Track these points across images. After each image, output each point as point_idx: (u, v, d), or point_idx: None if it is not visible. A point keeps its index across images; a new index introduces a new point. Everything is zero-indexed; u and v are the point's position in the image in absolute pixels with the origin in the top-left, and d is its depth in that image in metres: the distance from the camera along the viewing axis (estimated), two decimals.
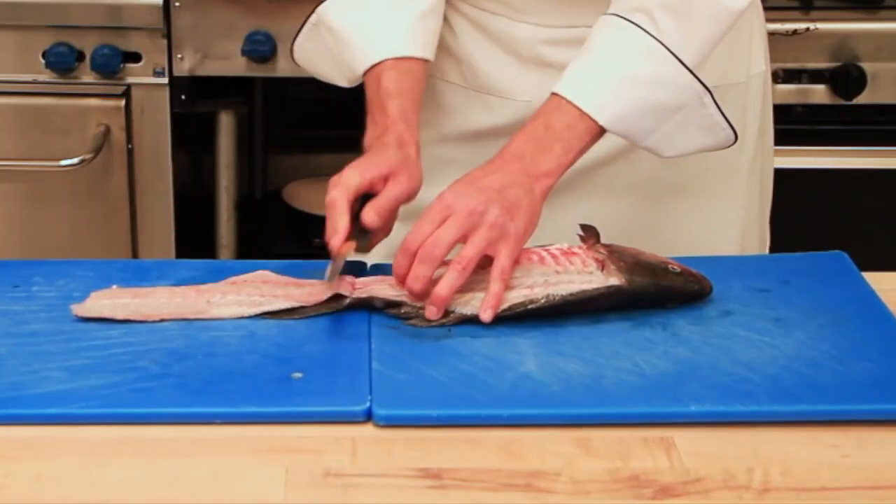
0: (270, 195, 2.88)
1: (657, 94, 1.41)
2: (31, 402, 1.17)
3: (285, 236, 2.76)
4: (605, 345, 1.27)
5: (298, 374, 1.21)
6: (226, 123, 2.58)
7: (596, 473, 1.10)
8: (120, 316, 1.31)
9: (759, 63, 1.64)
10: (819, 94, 2.48)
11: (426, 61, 1.51)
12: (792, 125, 2.44)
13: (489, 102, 1.60)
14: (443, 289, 1.29)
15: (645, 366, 1.24)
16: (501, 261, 1.31)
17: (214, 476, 1.09)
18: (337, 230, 1.32)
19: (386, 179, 1.38)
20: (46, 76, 2.43)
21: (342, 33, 1.52)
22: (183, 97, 2.47)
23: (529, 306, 1.31)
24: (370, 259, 1.43)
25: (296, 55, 1.61)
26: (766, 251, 1.73)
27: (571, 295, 1.32)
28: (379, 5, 1.51)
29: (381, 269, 1.39)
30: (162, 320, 1.31)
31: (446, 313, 1.31)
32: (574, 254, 1.35)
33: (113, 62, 2.40)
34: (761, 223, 1.72)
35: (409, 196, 1.39)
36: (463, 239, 1.31)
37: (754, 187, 1.68)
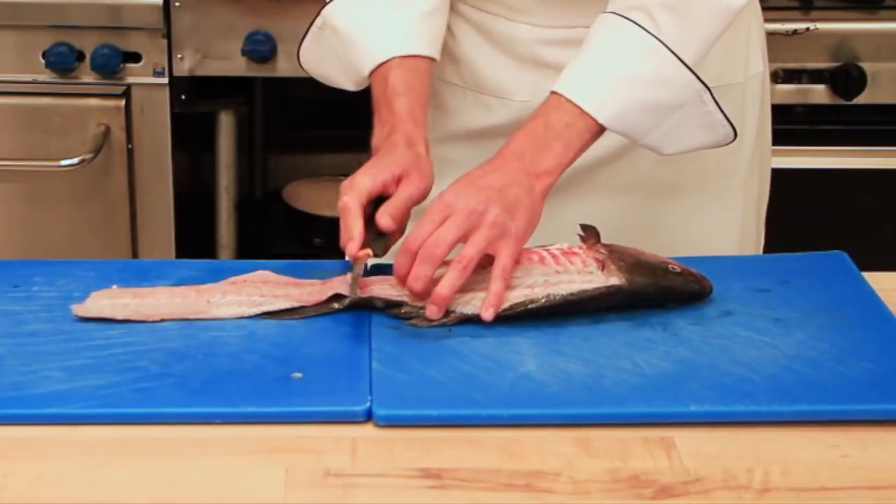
0: (270, 195, 2.88)
1: (657, 93, 1.41)
2: (31, 402, 1.17)
3: (285, 236, 2.76)
4: (605, 345, 1.27)
5: (298, 374, 1.21)
6: (226, 123, 2.58)
7: (596, 473, 1.10)
8: (120, 316, 1.31)
9: (758, 64, 1.64)
10: (819, 94, 2.48)
11: (432, 60, 1.51)
12: (792, 125, 2.44)
13: (487, 103, 1.60)
14: (443, 288, 1.29)
15: (645, 366, 1.24)
16: (502, 260, 1.31)
17: (214, 476, 1.09)
18: (352, 236, 1.32)
19: (398, 181, 1.38)
20: (46, 76, 2.42)
21: (347, 33, 1.52)
22: (183, 97, 2.47)
23: (530, 306, 1.31)
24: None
25: (302, 60, 1.61)
26: (761, 251, 1.73)
27: (571, 295, 1.32)
28: (383, 4, 1.51)
29: (381, 269, 1.39)
30: (162, 320, 1.31)
31: (447, 313, 1.31)
32: (574, 254, 1.35)
33: (113, 62, 2.40)
34: (757, 223, 1.72)
35: (423, 195, 1.39)
36: (463, 238, 1.31)
37: (752, 188, 1.68)
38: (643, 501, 1.07)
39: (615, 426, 1.16)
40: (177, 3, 2.40)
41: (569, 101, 1.40)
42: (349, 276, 1.33)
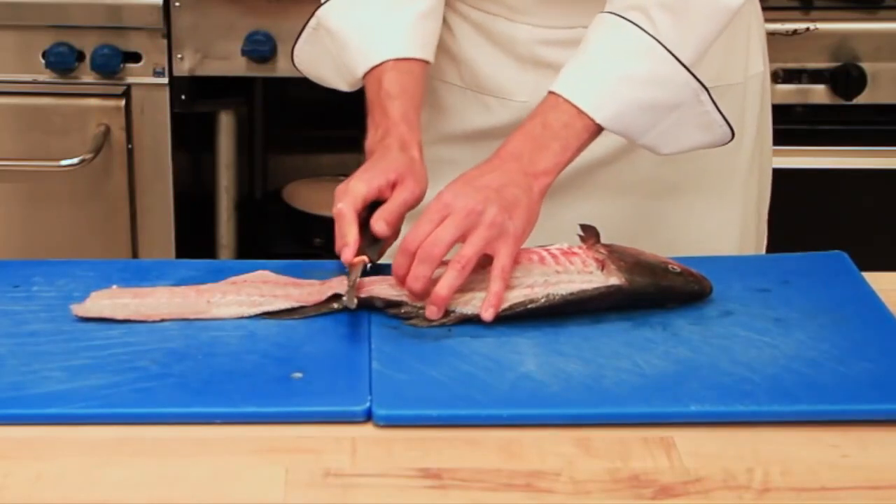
0: (270, 195, 2.88)
1: (654, 92, 1.41)
2: (31, 402, 1.17)
3: (285, 236, 2.76)
4: (605, 345, 1.27)
5: (298, 374, 1.21)
6: (226, 123, 2.58)
7: (596, 473, 1.10)
8: (120, 316, 1.31)
9: (758, 64, 1.64)
10: (819, 94, 2.48)
11: (426, 63, 1.51)
12: (792, 125, 2.44)
13: (487, 103, 1.60)
14: (443, 288, 1.29)
15: (645, 366, 1.24)
16: (501, 259, 1.31)
17: (214, 476, 1.09)
18: (347, 242, 1.32)
19: (393, 185, 1.38)
20: (46, 76, 2.43)
21: (341, 35, 1.52)
22: (183, 97, 2.47)
23: (529, 306, 1.31)
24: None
25: (296, 60, 1.61)
26: (763, 251, 1.73)
27: (571, 295, 1.32)
28: (378, 6, 1.51)
29: (380, 269, 1.39)
30: (162, 320, 1.31)
31: (446, 313, 1.31)
32: (574, 254, 1.35)
33: (113, 62, 2.40)
34: (759, 223, 1.72)
35: (417, 200, 1.39)
36: (462, 238, 1.31)
37: (752, 188, 1.68)
38: (643, 501, 1.07)
39: (615, 426, 1.16)
40: (177, 3, 2.40)
41: (566, 100, 1.40)
42: (346, 280, 1.33)
